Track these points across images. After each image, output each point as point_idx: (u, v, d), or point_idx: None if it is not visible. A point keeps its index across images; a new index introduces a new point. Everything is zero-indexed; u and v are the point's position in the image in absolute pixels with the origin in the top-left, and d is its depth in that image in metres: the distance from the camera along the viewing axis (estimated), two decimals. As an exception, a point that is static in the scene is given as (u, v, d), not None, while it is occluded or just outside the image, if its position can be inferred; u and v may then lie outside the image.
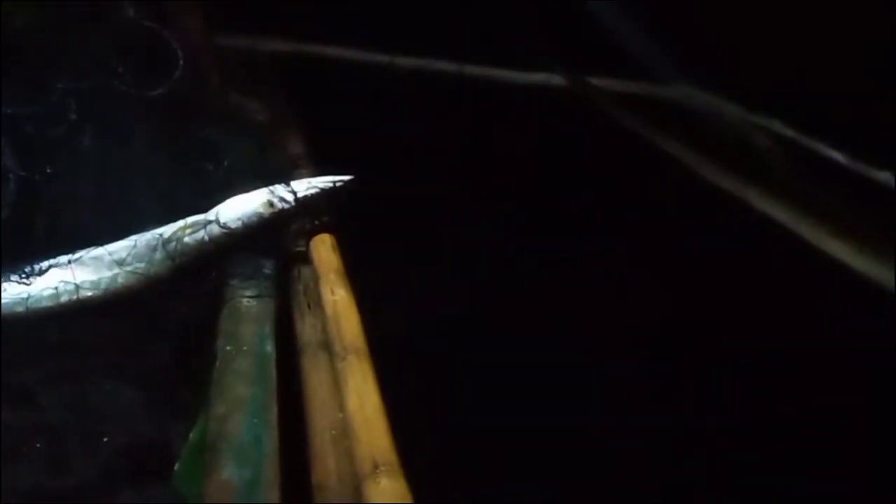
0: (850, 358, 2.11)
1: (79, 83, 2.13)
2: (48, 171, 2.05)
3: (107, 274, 1.93)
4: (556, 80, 3.87)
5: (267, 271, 2.04)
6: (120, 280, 1.94)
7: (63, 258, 1.91)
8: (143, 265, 1.96)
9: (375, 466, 1.32)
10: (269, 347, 1.74)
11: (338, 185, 2.16)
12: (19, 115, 2.00)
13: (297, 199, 2.11)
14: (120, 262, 1.95)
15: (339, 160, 2.38)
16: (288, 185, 2.15)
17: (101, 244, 1.91)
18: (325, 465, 1.44)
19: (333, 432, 1.50)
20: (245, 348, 1.69)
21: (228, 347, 1.70)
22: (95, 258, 1.88)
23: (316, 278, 1.96)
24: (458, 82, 3.75)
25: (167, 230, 1.97)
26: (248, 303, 1.90)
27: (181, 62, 2.35)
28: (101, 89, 2.18)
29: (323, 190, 2.15)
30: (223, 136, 2.31)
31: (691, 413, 1.97)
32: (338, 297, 1.83)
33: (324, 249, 2.06)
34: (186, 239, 1.96)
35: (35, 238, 2.00)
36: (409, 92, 3.50)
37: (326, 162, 2.47)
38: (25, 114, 2.04)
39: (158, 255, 1.96)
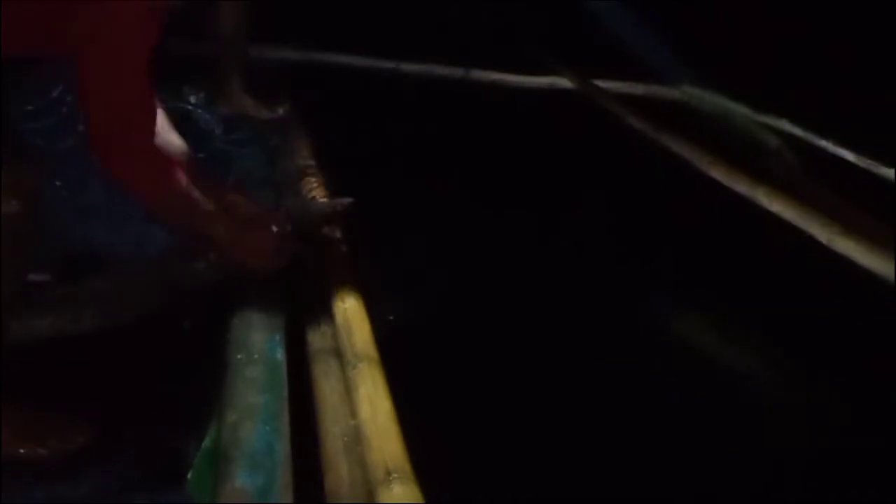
0: (857, 357, 2.10)
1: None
2: (57, 183, 2.06)
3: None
4: (563, 83, 3.87)
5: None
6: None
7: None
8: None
9: (388, 473, 1.32)
10: (280, 355, 1.73)
11: (339, 209, 2.13)
12: (28, 127, 2.01)
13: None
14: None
15: (347, 166, 2.39)
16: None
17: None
18: (338, 472, 1.44)
19: (346, 439, 1.49)
20: (256, 356, 1.69)
21: (239, 356, 1.70)
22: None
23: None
24: (464, 86, 3.75)
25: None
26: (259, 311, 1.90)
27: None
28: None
29: (322, 213, 2.13)
30: (231, 146, 2.31)
31: (693, 412, 1.96)
32: (348, 305, 1.83)
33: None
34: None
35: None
36: (416, 97, 3.51)
37: (333, 167, 2.48)
38: (34, 126, 2.04)
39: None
